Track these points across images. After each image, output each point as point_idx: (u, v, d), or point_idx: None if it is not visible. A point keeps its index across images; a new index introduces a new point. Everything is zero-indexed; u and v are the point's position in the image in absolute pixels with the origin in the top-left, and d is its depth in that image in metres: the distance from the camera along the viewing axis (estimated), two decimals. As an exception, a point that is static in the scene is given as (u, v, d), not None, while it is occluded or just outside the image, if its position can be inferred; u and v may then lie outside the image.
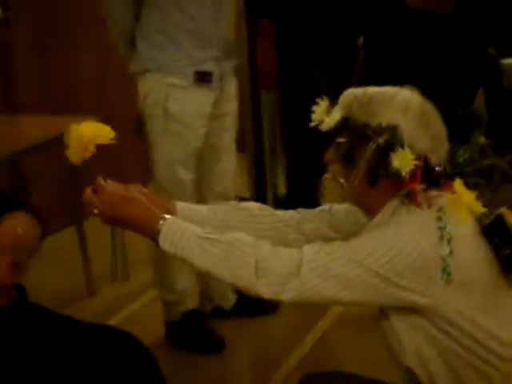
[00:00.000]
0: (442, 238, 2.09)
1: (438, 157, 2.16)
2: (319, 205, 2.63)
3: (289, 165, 4.79)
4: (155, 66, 3.46)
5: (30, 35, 4.73)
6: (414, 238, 2.06)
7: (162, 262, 3.67)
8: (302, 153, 4.56)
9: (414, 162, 2.07)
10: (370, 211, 2.19)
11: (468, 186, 2.20)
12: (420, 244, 2.06)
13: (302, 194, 4.48)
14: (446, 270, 2.06)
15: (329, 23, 4.36)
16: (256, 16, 4.43)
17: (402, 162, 2.09)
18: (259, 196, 4.86)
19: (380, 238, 2.08)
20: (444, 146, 2.18)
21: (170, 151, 3.50)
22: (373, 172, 2.12)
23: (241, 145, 3.98)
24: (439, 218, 2.12)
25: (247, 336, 3.84)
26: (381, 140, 2.11)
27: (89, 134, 2.21)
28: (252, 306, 3.86)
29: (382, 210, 2.16)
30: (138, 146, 4.09)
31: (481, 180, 2.25)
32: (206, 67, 3.52)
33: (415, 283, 2.05)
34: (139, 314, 4.00)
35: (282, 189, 5.05)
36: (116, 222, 2.16)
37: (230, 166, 3.81)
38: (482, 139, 2.27)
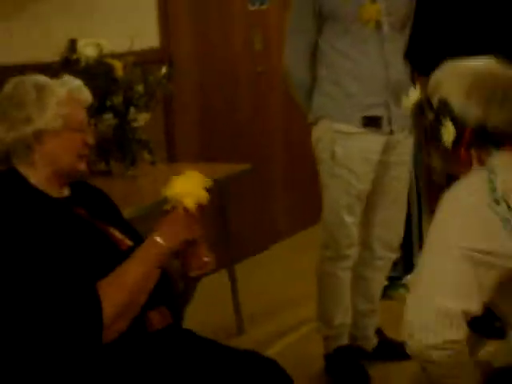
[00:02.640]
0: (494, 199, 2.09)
1: (497, 118, 2.14)
2: None
3: None
4: (325, 113, 3.57)
5: (192, 89, 4.92)
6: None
7: (323, 298, 3.76)
8: None
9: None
10: None
11: None
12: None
13: None
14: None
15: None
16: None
17: (447, 134, 2.15)
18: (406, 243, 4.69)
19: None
20: (506, 107, 2.15)
21: (337, 195, 3.58)
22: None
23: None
24: (490, 180, 2.11)
25: (390, 378, 3.83)
26: (430, 115, 2.20)
27: (181, 191, 2.33)
28: (392, 350, 3.87)
29: None
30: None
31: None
32: (374, 112, 3.56)
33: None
34: (294, 347, 4.07)
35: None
36: None
37: (400, 216, 3.82)
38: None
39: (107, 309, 2.18)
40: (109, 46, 3.88)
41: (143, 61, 4.09)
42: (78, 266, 2.23)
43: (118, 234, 2.45)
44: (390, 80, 3.54)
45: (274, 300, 4.59)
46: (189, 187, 2.36)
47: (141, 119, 3.88)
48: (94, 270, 2.26)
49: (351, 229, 3.62)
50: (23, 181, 2.35)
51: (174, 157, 4.71)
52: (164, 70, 4.02)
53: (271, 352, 3.92)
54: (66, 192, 2.45)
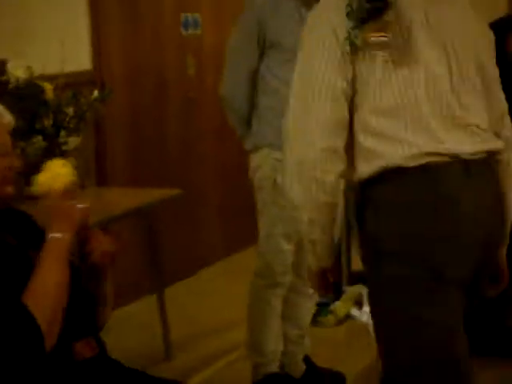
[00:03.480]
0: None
1: None
2: None
3: None
4: (266, 142, 3.56)
5: (123, 112, 4.92)
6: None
7: (254, 325, 3.75)
8: None
9: None
10: None
11: None
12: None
13: None
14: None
15: None
16: None
17: None
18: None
19: None
20: None
21: (275, 222, 3.58)
22: None
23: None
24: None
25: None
26: None
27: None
28: (320, 378, 3.91)
29: None
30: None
31: None
32: None
33: None
34: (222, 373, 4.06)
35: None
36: None
37: None
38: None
39: (41, 318, 2.19)
40: (39, 68, 3.85)
41: (75, 83, 4.10)
42: (6, 291, 2.22)
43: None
44: None
45: (203, 325, 4.59)
46: (56, 173, 2.34)
47: (71, 142, 3.85)
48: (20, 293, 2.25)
49: (287, 256, 3.63)
50: None
51: (104, 181, 4.70)
52: (96, 92, 4.02)
53: (199, 378, 3.92)
54: None
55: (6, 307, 2.19)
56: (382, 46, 2.34)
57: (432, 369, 2.40)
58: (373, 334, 4.30)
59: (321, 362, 4.00)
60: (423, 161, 2.30)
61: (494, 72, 2.60)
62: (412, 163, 2.30)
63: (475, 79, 2.49)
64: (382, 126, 2.34)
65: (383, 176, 2.33)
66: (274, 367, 3.76)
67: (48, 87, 3.82)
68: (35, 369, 2.22)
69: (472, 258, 2.41)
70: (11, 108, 2.72)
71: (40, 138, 3.78)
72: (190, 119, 5.42)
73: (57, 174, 2.38)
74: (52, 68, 3.97)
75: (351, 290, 4.90)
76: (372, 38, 2.33)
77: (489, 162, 2.47)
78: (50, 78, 3.89)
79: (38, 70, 3.85)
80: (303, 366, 3.92)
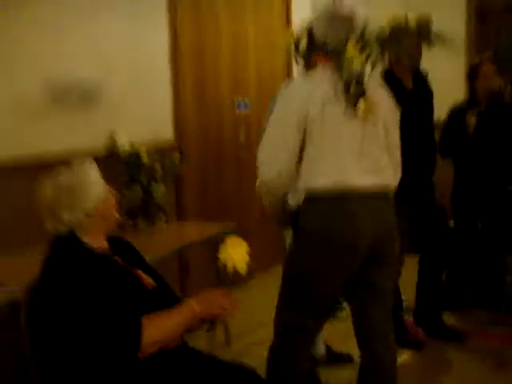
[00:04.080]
0: None
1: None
2: None
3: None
4: None
5: (194, 169, 4.92)
6: None
7: None
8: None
9: None
10: None
11: None
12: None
13: None
14: None
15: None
16: None
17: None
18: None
19: None
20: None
21: None
22: None
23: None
24: None
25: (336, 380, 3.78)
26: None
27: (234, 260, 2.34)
28: (335, 358, 3.88)
29: None
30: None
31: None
32: None
33: None
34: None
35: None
36: None
37: None
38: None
39: (145, 337, 2.18)
40: (138, 138, 3.95)
41: (162, 148, 4.16)
42: (122, 301, 2.24)
43: (144, 276, 2.44)
44: None
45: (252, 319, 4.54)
46: (237, 252, 2.34)
47: (159, 191, 3.93)
48: (131, 303, 2.27)
49: None
50: (80, 243, 2.35)
51: (182, 217, 4.70)
52: (176, 156, 4.10)
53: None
54: (106, 245, 2.43)
55: (121, 315, 2.18)
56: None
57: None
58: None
59: (336, 346, 3.99)
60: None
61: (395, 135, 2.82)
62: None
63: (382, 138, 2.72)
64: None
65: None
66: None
67: (143, 152, 3.89)
68: (126, 364, 2.21)
69: (361, 254, 2.64)
70: (120, 169, 2.78)
71: (138, 187, 3.85)
72: (241, 173, 5.42)
73: (236, 252, 2.33)
74: (146, 138, 4.04)
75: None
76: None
77: (384, 192, 2.69)
78: (145, 145, 3.95)
79: (137, 141, 3.94)
80: (323, 350, 3.90)
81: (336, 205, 2.60)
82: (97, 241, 2.38)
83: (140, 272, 2.45)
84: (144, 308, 2.29)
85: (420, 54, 3.86)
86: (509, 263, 4.59)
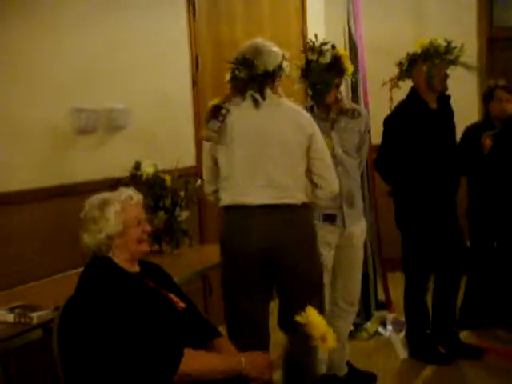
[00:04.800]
0: None
1: None
2: None
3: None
4: None
5: None
6: None
7: None
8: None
9: None
10: None
11: None
12: None
13: None
14: None
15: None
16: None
17: None
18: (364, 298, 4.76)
19: None
20: None
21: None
22: None
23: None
24: None
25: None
26: None
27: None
28: (358, 376, 3.92)
29: None
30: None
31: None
32: (331, 211, 3.57)
33: None
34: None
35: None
36: None
37: (357, 279, 3.78)
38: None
39: (183, 365, 2.25)
40: (162, 165, 4.00)
41: (185, 174, 4.19)
42: (155, 320, 2.30)
43: (174, 298, 2.51)
44: (343, 191, 3.54)
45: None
46: (323, 330, 2.36)
47: (183, 215, 4.00)
48: (164, 323, 2.33)
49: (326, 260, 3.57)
50: (112, 264, 2.43)
51: (205, 240, 4.74)
52: (199, 181, 4.15)
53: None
54: (137, 268, 2.51)
55: (159, 334, 2.24)
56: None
57: None
58: (395, 346, 4.36)
59: (358, 365, 4.03)
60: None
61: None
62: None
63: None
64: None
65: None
66: (324, 369, 3.73)
67: (167, 178, 3.92)
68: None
69: (254, 263, 3.03)
70: (144, 193, 2.83)
71: (162, 212, 3.88)
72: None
73: (316, 323, 2.41)
74: (170, 165, 4.07)
75: (378, 314, 4.87)
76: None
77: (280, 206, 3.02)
78: (169, 172, 3.98)
79: (160, 167, 3.97)
80: (346, 368, 3.92)
81: (232, 219, 3.11)
82: (127, 264, 2.46)
83: (170, 294, 2.51)
84: (175, 329, 2.35)
85: (447, 77, 3.97)
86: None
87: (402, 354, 4.33)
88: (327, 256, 3.56)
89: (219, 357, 2.37)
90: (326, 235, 3.56)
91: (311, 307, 2.39)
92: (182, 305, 2.50)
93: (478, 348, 4.26)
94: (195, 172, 4.53)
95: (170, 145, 4.48)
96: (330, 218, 3.60)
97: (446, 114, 4.15)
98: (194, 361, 2.28)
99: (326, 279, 3.52)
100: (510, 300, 4.64)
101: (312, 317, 2.36)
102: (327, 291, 3.58)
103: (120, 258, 2.44)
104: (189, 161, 4.66)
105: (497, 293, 4.68)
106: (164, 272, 2.66)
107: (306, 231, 3.12)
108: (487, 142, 4.33)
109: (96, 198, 2.47)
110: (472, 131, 4.52)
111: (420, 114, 4.05)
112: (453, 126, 4.21)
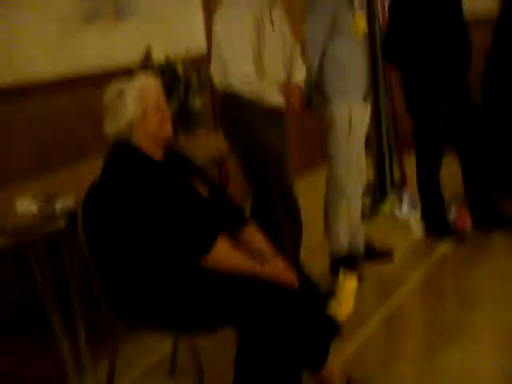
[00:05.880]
0: None
1: None
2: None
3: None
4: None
5: None
6: None
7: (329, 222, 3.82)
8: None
9: None
10: None
11: None
12: None
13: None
14: None
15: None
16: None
17: None
18: (380, 179, 4.87)
19: None
20: None
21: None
22: None
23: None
24: None
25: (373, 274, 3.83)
26: None
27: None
28: (375, 253, 3.99)
29: None
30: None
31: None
32: None
33: None
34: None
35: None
36: None
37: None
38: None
39: (216, 249, 2.31)
40: (172, 52, 3.97)
41: (197, 62, 4.16)
42: (181, 206, 2.35)
43: (199, 183, 2.53)
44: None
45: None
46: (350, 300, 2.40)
47: (197, 103, 3.95)
48: (189, 210, 2.38)
49: None
50: (135, 150, 2.44)
51: (217, 126, 4.72)
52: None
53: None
54: (161, 156, 2.50)
55: (189, 225, 2.29)
56: None
57: None
58: (410, 225, 4.43)
59: (377, 243, 4.10)
60: None
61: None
62: None
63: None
64: None
65: None
66: (343, 249, 3.84)
67: (179, 67, 3.88)
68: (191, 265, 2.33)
69: None
70: None
71: (175, 99, 3.84)
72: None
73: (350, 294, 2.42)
74: (181, 52, 4.08)
75: (393, 195, 4.88)
76: None
77: None
78: (181, 60, 3.96)
79: (171, 54, 3.94)
80: (363, 248, 3.97)
81: None
82: (151, 150, 2.46)
83: (195, 179, 2.54)
84: (201, 215, 2.40)
85: None
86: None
87: (418, 233, 4.40)
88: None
89: (246, 259, 2.38)
90: None
91: None
92: (206, 193, 2.52)
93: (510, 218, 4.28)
94: (206, 58, 4.40)
95: (182, 35, 4.45)
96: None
97: None
98: (226, 251, 2.33)
99: None
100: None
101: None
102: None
103: (143, 144, 2.45)
104: (199, 47, 4.62)
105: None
106: (186, 159, 2.66)
107: None
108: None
109: (114, 87, 2.46)
110: None
111: None
112: None
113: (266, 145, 3.30)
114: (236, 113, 3.28)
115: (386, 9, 4.50)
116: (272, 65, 3.28)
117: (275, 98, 3.28)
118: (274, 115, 3.33)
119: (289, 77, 3.39)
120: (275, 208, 3.38)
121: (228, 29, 3.16)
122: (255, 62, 3.17)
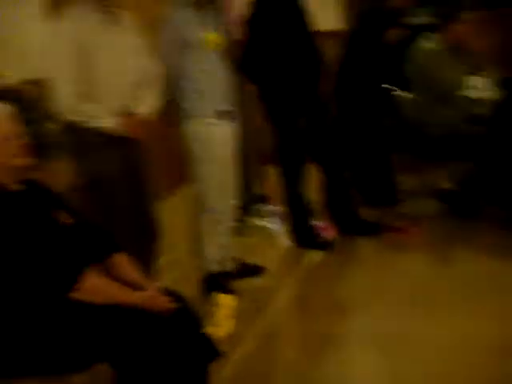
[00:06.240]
0: None
1: None
2: None
3: None
4: None
5: None
6: None
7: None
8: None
9: None
10: None
11: None
12: None
13: None
14: None
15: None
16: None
17: None
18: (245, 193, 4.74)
19: None
20: None
21: None
22: None
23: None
24: None
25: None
26: None
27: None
28: (244, 269, 3.99)
29: None
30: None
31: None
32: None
33: None
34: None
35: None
36: None
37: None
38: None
39: (84, 282, 2.23)
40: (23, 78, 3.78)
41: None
42: (40, 239, 2.25)
43: (61, 213, 2.44)
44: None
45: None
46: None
47: (53, 128, 3.79)
48: (49, 242, 2.28)
49: None
50: None
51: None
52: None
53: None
54: (20, 186, 2.40)
55: (49, 258, 2.20)
56: None
57: None
58: (277, 236, 4.44)
59: (245, 259, 4.06)
60: None
61: None
62: None
63: None
64: None
65: None
66: (215, 267, 3.78)
67: (31, 91, 3.75)
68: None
69: None
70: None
71: (29, 127, 3.62)
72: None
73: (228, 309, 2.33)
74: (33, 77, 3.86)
75: (257, 208, 4.89)
76: None
77: None
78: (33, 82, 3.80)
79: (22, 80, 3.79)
80: (232, 263, 3.90)
81: None
82: (6, 182, 2.35)
83: (58, 211, 2.44)
84: (64, 245, 2.31)
85: None
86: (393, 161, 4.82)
87: (286, 244, 4.45)
88: None
89: (117, 286, 2.34)
90: None
91: None
92: (69, 221, 2.44)
93: (376, 224, 4.46)
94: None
95: (32, 55, 4.10)
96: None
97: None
98: (92, 281, 2.27)
99: None
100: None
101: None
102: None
103: None
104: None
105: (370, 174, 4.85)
106: (50, 190, 2.56)
107: None
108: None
109: None
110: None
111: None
112: (302, 10, 4.21)
113: (100, 173, 3.19)
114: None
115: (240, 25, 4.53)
116: (104, 89, 3.14)
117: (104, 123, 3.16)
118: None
119: (132, 107, 3.27)
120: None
121: (49, 44, 3.07)
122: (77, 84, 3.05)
